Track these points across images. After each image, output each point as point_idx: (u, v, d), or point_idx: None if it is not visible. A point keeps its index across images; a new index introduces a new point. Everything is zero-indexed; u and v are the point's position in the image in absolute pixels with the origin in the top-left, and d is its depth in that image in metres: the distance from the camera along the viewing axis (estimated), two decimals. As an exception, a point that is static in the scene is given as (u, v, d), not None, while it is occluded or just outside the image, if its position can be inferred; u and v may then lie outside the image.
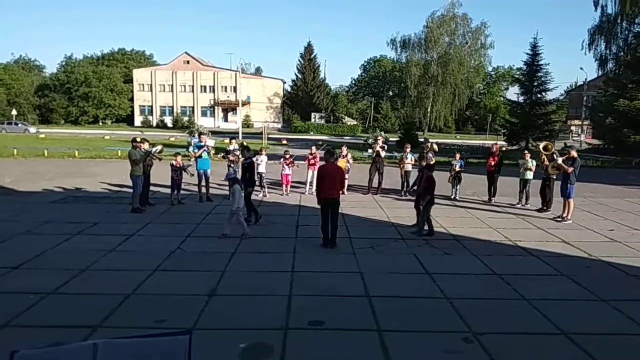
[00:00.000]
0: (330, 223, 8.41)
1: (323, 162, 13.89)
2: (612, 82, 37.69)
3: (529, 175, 12.88)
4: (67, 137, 42.11)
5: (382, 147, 14.98)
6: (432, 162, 10.85)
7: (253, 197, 13.30)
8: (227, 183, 13.55)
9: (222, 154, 14.69)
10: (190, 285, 6.40)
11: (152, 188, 12.41)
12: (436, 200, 13.39)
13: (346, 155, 14.45)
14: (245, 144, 20.77)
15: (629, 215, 12.11)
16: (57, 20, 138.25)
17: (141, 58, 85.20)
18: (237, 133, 41.61)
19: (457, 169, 13.91)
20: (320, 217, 8.51)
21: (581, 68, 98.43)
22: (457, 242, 9.10)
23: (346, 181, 14.48)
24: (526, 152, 13.89)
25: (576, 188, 11.41)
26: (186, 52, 72.46)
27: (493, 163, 13.59)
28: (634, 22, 38.59)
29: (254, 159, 14.22)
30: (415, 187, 10.52)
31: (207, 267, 7.22)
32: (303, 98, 72.56)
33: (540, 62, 38.86)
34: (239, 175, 10.60)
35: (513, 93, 72.98)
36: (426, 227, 9.49)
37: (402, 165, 14.47)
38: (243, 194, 9.46)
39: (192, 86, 71.29)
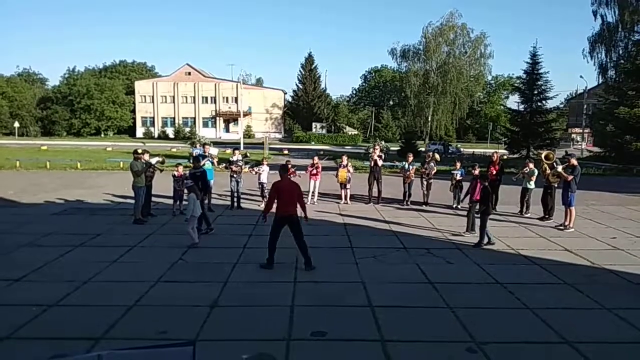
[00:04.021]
0: (298, 242, 7.72)
1: (318, 173, 14.09)
2: (613, 89, 37.77)
3: (531, 184, 12.85)
4: (70, 148, 42.27)
5: (380, 156, 14.98)
6: (476, 172, 10.82)
7: (255, 207, 13.42)
8: (228, 194, 13.67)
9: (225, 165, 14.75)
10: (193, 296, 6.39)
11: (154, 199, 12.43)
12: (437, 210, 13.50)
13: (347, 165, 14.47)
14: (248, 154, 20.88)
15: (631, 222, 12.09)
16: (61, 34, 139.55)
17: (143, 70, 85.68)
18: (239, 143, 41.72)
19: (458, 177, 13.92)
20: (271, 234, 7.72)
21: (581, 76, 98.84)
22: (459, 250, 9.08)
23: (348, 191, 14.58)
24: (527, 161, 13.83)
25: (577, 196, 11.40)
26: (187, 64, 72.93)
27: (494, 172, 13.59)
28: (634, 30, 38.78)
29: (257, 168, 14.35)
30: (469, 197, 10.43)
31: (209, 277, 7.22)
32: (304, 108, 72.85)
33: (540, 71, 39.05)
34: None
35: (513, 102, 73.05)
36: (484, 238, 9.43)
37: (408, 175, 14.33)
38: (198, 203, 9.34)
39: (194, 97, 71.61)
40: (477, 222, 9.85)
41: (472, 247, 9.33)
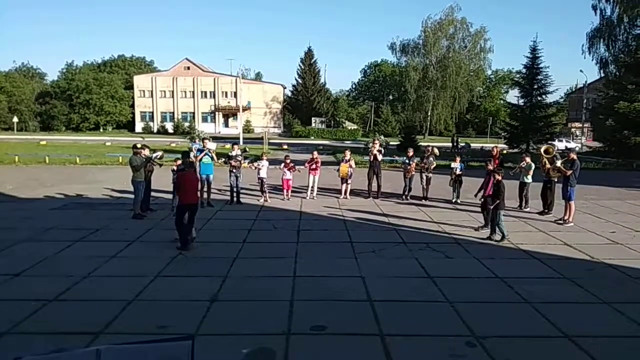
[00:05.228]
0: (189, 223, 8.70)
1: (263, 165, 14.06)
2: (613, 84, 37.67)
3: (528, 178, 12.84)
4: (69, 143, 42.17)
5: (379, 151, 14.96)
6: (490, 167, 10.73)
7: (254, 202, 13.43)
8: (227, 188, 13.66)
9: (224, 160, 14.72)
10: (192, 291, 6.40)
11: (153, 194, 12.42)
12: (437, 204, 13.51)
13: (349, 160, 14.45)
14: (248, 149, 20.86)
15: (630, 217, 12.10)
16: (59, 28, 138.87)
17: (142, 64, 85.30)
18: (238, 138, 41.64)
19: (458, 172, 13.91)
20: (180, 221, 8.60)
21: (581, 71, 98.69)
22: (459, 245, 9.09)
23: (349, 186, 14.57)
24: (524, 155, 13.82)
25: (577, 190, 11.40)
26: (186, 58, 72.60)
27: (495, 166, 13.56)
28: (634, 25, 38.64)
29: (256, 163, 14.33)
30: (482, 192, 10.37)
31: (209, 272, 7.23)
32: (303, 103, 72.65)
33: (540, 65, 38.88)
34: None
35: (513, 96, 72.90)
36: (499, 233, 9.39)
37: (409, 170, 14.32)
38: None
39: (193, 92, 71.36)
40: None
41: (495, 242, 9.25)
